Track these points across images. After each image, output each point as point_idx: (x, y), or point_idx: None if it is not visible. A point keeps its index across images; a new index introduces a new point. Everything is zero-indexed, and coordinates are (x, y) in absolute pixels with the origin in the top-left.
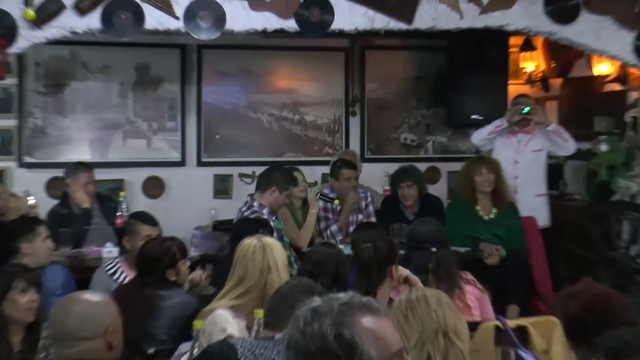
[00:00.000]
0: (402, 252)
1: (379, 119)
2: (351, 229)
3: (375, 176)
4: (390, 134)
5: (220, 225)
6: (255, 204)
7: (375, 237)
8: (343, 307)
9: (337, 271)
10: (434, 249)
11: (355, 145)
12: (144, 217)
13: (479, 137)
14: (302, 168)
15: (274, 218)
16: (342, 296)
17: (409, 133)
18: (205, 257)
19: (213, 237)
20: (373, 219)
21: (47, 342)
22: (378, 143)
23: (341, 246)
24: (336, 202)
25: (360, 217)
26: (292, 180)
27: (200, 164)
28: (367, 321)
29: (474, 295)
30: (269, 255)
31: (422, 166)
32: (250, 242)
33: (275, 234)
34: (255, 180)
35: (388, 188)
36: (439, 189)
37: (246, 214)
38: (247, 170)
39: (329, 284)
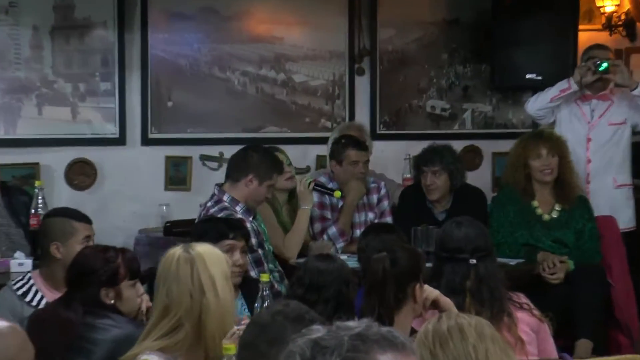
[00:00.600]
0: (428, 265)
1: (397, 79)
2: (358, 232)
3: (391, 160)
4: (413, 101)
5: (174, 228)
6: (225, 197)
7: (392, 245)
8: (356, 341)
9: (339, 295)
10: (473, 261)
11: (363, 116)
12: (77, 214)
13: (536, 105)
14: (288, 148)
15: (251, 218)
16: (354, 325)
17: (439, 99)
18: (153, 272)
19: (164, 244)
20: (388, 219)
21: None
22: (395, 113)
23: (343, 257)
24: (337, 194)
25: (371, 216)
26: (276, 166)
27: (146, 142)
28: None
29: (529, 325)
30: (200, 269)
31: (456, 145)
32: (173, 253)
33: (253, 240)
34: (225, 166)
35: (409, 176)
36: (480, 178)
37: (212, 211)
38: (213, 151)
39: (331, 312)
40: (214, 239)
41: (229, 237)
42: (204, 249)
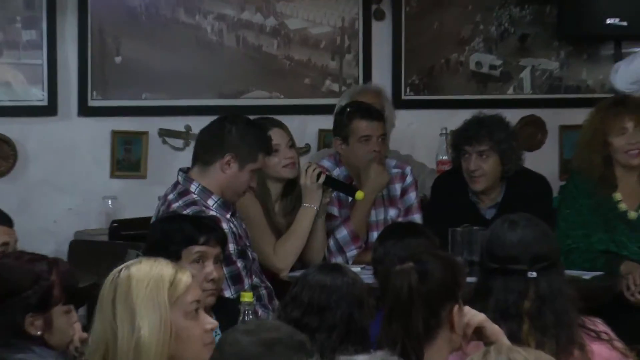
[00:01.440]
0: (471, 279)
1: (429, 26)
2: (375, 235)
3: (421, 136)
4: (451, 55)
5: (123, 229)
6: (193, 187)
7: (421, 252)
8: None
9: (349, 320)
10: (532, 274)
11: (383, 76)
12: None
13: (628, 76)
14: (283, 120)
15: (228, 215)
16: None
17: (487, 53)
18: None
19: (110, 252)
20: (416, 217)
21: None
22: (427, 72)
23: (356, 269)
24: (359, 195)
25: (393, 213)
26: (262, 142)
27: (85, 111)
28: None
29: None
30: (119, 297)
31: (511, 116)
32: (114, 271)
33: (231, 246)
34: (192, 144)
35: (445, 159)
36: (542, 161)
37: (175, 206)
38: (176, 123)
39: (337, 342)
40: (178, 245)
41: (199, 241)
42: (138, 268)
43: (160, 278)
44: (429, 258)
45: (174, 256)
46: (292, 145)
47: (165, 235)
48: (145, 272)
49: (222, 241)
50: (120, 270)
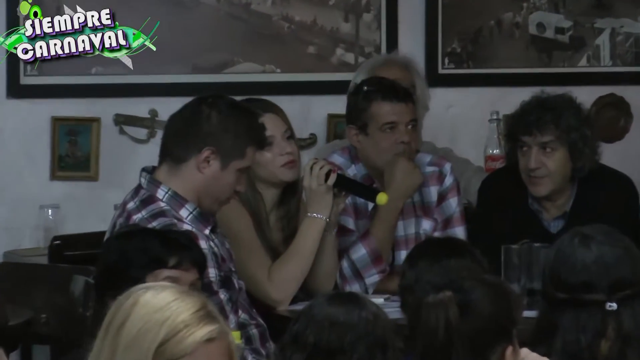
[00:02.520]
0: (531, 313)
1: None
2: (402, 255)
3: (464, 122)
4: (504, 15)
5: (67, 249)
6: (160, 193)
7: (464, 279)
8: None
9: None
10: (612, 306)
11: (412, 42)
12: None
13: None
14: (278, 102)
15: (207, 230)
16: None
17: (552, 11)
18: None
19: (50, 278)
20: (458, 231)
21: None
22: (472, 38)
23: (378, 300)
24: (382, 198)
25: (427, 225)
26: (254, 134)
27: (15, 91)
28: None
29: None
30: (120, 330)
31: (584, 95)
32: (129, 291)
33: (211, 271)
34: (159, 135)
35: (497, 152)
36: (627, 156)
37: (137, 218)
38: (138, 107)
39: None
40: (141, 270)
41: (168, 264)
42: (148, 299)
43: (156, 327)
44: (474, 285)
45: (136, 284)
46: (290, 136)
47: (124, 256)
48: (152, 308)
49: (200, 264)
50: (135, 291)
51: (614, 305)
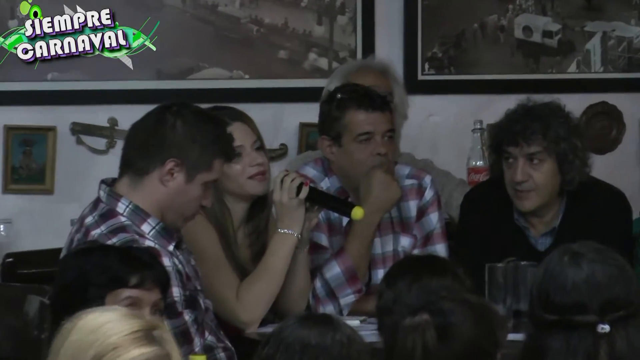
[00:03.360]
0: (517, 336)
1: None
2: (380, 274)
3: (445, 131)
4: (487, 18)
5: (20, 266)
6: (121, 206)
7: (443, 299)
8: None
9: None
10: (604, 328)
11: (390, 46)
12: None
13: None
14: (247, 110)
15: (171, 246)
16: None
17: (539, 14)
18: None
19: (1, 301)
20: (439, 248)
21: None
22: (453, 41)
23: (353, 322)
24: (358, 213)
25: (406, 242)
26: (220, 142)
27: None
28: None
29: None
30: (58, 355)
31: (573, 103)
32: (75, 316)
33: (175, 291)
34: (119, 145)
35: (480, 164)
36: (619, 168)
37: (95, 233)
38: (96, 116)
39: None
40: (99, 289)
41: (129, 283)
42: (87, 321)
43: (85, 350)
44: (454, 307)
45: (95, 304)
46: (260, 146)
47: (82, 274)
48: (86, 330)
49: (163, 283)
50: (80, 314)
51: (607, 327)
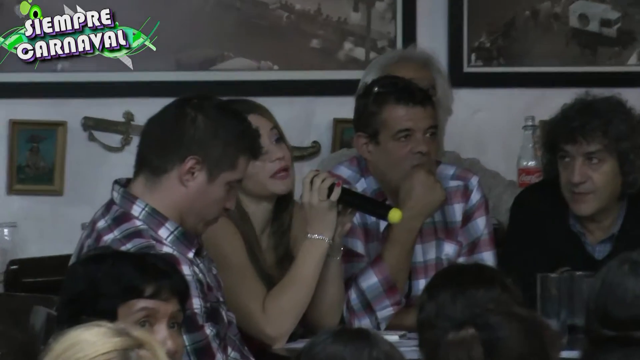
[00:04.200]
0: (571, 353)
1: None
2: (421, 285)
3: (494, 128)
4: (540, 4)
5: (26, 274)
6: (136, 209)
7: (490, 312)
8: None
9: None
10: None
11: (433, 35)
12: None
13: None
14: (275, 105)
15: (191, 253)
16: None
17: (596, 0)
18: None
19: (4, 309)
20: (487, 256)
21: None
22: (502, 30)
23: (392, 338)
24: (395, 215)
25: (450, 249)
26: (246, 140)
27: None
28: None
29: None
30: None
31: (635, 97)
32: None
33: (196, 302)
34: (135, 141)
35: (532, 164)
36: None
37: (108, 238)
38: (111, 110)
39: None
40: (112, 300)
41: (144, 293)
42: (62, 339)
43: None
44: (502, 320)
45: (107, 316)
46: (279, 138)
47: (92, 284)
48: (61, 349)
49: (182, 293)
50: (67, 331)
51: None
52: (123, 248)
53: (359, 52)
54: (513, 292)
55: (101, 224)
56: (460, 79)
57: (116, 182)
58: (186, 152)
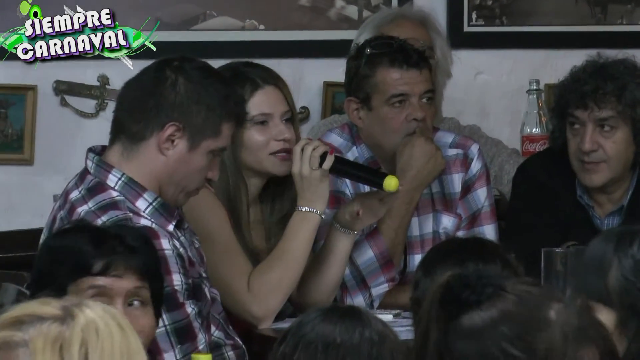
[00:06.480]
0: None
1: None
2: (417, 260)
3: (496, 93)
4: None
5: None
6: (112, 178)
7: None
8: None
9: None
10: None
11: None
12: None
13: None
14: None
15: (171, 226)
16: None
17: None
18: None
19: None
20: (488, 230)
21: None
22: None
23: (386, 317)
24: (391, 183)
25: (448, 222)
26: (230, 105)
27: None
28: None
29: None
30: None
31: None
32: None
33: (176, 280)
34: (111, 107)
35: (537, 132)
36: None
37: (82, 210)
38: (84, 73)
39: None
40: (64, 278)
41: (92, 270)
42: (93, 315)
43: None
44: (504, 297)
45: (61, 294)
46: (290, 118)
47: (53, 260)
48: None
49: (143, 268)
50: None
51: None
52: (98, 221)
53: (352, 11)
54: (515, 267)
55: (74, 194)
56: (460, 40)
57: (90, 150)
58: (166, 118)
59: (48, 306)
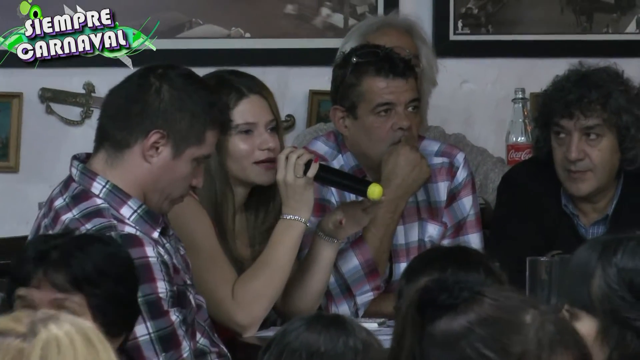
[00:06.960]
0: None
1: None
2: (402, 269)
3: (481, 101)
4: None
5: None
6: (96, 186)
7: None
8: None
9: None
10: None
11: (415, 2)
12: None
13: None
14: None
15: (156, 233)
16: None
17: None
18: None
19: None
20: (473, 238)
21: None
22: None
23: (371, 325)
24: (375, 191)
25: (434, 231)
26: (214, 112)
27: None
28: None
29: None
30: None
31: (633, 68)
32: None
33: (162, 288)
34: (96, 115)
35: (522, 140)
36: None
37: (66, 218)
38: (70, 80)
39: None
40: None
41: (18, 280)
42: (56, 331)
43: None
44: (480, 301)
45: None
46: (275, 127)
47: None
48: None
49: (70, 279)
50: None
51: None
52: (82, 228)
53: (337, 19)
54: (499, 276)
55: (59, 202)
56: (446, 48)
57: (75, 157)
58: (150, 125)
59: (15, 322)
